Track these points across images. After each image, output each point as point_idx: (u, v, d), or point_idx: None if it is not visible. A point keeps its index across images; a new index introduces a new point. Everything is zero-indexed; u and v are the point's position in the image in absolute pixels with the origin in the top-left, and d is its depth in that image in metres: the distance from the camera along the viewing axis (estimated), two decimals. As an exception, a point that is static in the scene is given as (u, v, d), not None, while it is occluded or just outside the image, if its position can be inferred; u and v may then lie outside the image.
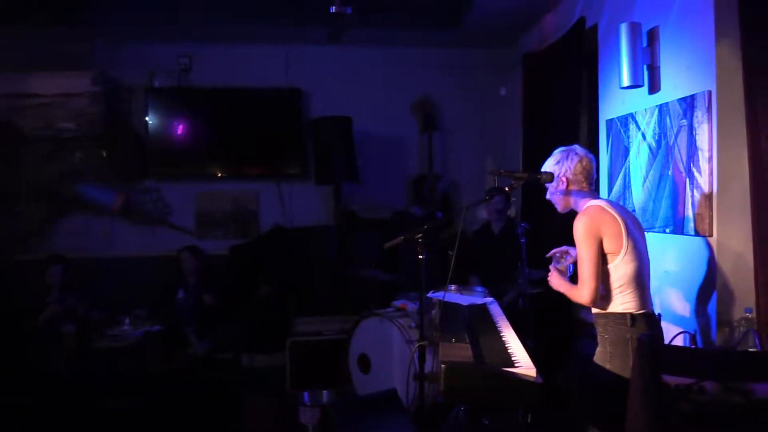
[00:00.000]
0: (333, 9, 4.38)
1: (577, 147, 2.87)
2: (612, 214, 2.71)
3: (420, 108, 6.35)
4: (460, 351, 2.24)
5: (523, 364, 2.23)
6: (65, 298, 4.91)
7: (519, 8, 5.27)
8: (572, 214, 4.23)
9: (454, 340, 2.39)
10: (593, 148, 4.60)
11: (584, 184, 2.82)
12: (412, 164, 6.43)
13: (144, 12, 5.28)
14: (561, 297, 4.68)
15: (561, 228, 4.87)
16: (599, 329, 2.78)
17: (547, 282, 4.49)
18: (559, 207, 2.93)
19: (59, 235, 5.96)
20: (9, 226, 5.86)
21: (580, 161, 2.79)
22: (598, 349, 2.75)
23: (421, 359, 2.79)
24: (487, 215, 5.29)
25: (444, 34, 5.99)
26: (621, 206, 2.93)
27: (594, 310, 2.81)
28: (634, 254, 2.70)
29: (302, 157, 6.17)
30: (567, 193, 2.84)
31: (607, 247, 2.68)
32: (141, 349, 4.69)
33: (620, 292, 2.71)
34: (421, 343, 2.73)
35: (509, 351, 2.35)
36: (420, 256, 2.81)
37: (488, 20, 5.55)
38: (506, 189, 2.88)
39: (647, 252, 2.82)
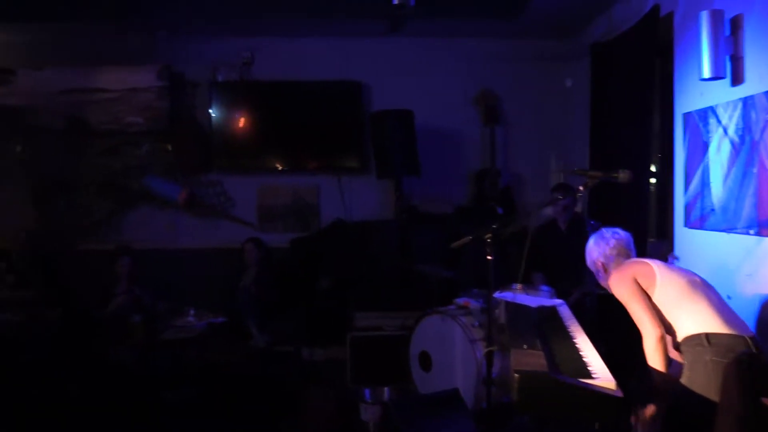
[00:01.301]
0: (395, 0, 4.29)
1: (604, 231, 3.04)
2: (638, 258, 2.94)
3: (482, 101, 6.22)
4: (533, 358, 2.16)
5: (601, 375, 2.13)
6: (133, 288, 5.03)
7: (585, -3, 5.08)
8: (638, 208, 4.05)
9: (525, 346, 2.30)
10: (666, 142, 4.42)
11: (620, 260, 2.94)
12: (473, 158, 6.31)
13: (207, 6, 5.32)
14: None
15: (630, 226, 4.73)
16: (683, 355, 2.72)
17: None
18: (605, 285, 3.03)
19: (126, 227, 6.11)
20: (77, 217, 6.04)
21: (608, 243, 2.97)
22: (682, 375, 2.68)
23: (489, 363, 2.70)
24: (553, 212, 5.12)
25: (507, 25, 5.82)
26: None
27: (679, 339, 2.74)
28: (672, 274, 2.79)
29: (362, 151, 6.13)
30: (606, 273, 2.97)
31: (644, 284, 2.75)
32: (205, 340, 4.74)
33: (681, 315, 2.69)
34: (490, 348, 2.64)
35: (584, 360, 2.25)
36: (489, 257, 2.71)
37: (553, 9, 5.37)
38: (579, 188, 2.75)
39: (701, 278, 2.84)
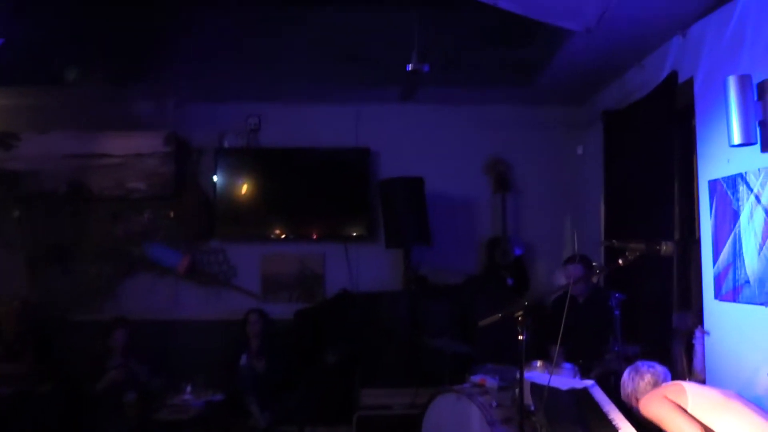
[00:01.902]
0: (410, 67, 4.22)
1: (639, 365, 3.04)
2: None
3: (493, 168, 6.11)
4: (578, 454, 1.90)
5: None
6: (127, 363, 4.76)
7: (599, 65, 5.02)
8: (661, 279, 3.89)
9: (567, 440, 2.05)
10: (688, 210, 4.24)
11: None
12: (484, 227, 6.15)
13: (214, 73, 5.28)
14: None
15: (653, 298, 4.52)
16: None
17: (642, 359, 4.12)
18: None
19: (124, 296, 5.88)
20: (74, 285, 5.82)
21: (642, 378, 2.96)
22: None
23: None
24: (567, 281, 4.90)
25: (518, 92, 5.78)
26: None
27: None
28: (702, 387, 2.84)
29: (370, 218, 5.97)
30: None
31: (676, 398, 2.68)
32: (202, 421, 4.45)
33: (724, 417, 2.59)
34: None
35: (635, 455, 2.00)
36: (520, 336, 2.48)
37: (565, 76, 5.32)
38: (619, 262, 2.55)
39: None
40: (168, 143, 5.82)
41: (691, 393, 2.65)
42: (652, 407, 2.71)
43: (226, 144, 6.02)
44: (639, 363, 3.05)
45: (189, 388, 4.74)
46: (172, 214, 5.91)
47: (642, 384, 2.93)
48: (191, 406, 4.46)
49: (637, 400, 2.91)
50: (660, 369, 3.01)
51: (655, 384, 2.92)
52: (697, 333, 4.01)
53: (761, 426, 2.43)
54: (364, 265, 6.00)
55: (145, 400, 4.45)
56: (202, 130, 6.03)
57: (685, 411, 2.59)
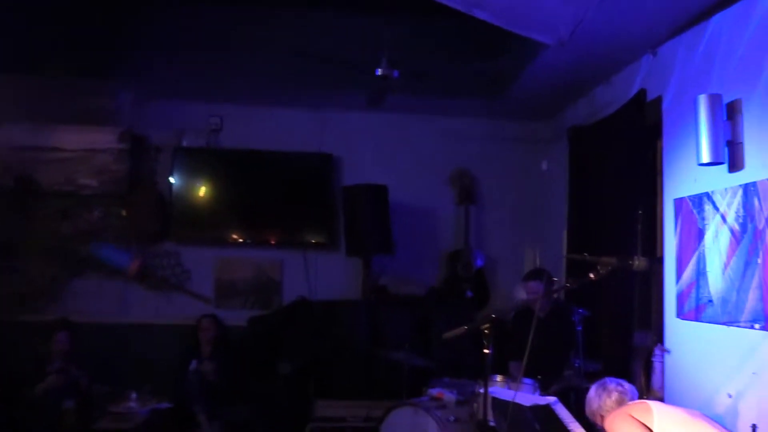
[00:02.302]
0: (379, 72, 4.12)
1: (607, 381, 2.96)
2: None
3: (458, 180, 6.05)
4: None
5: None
6: (68, 368, 4.50)
7: (568, 81, 5.02)
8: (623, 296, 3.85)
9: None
10: (651, 228, 4.24)
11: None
12: (446, 238, 6.07)
13: (175, 70, 5.09)
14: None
15: (614, 316, 4.49)
16: None
17: (602, 376, 4.07)
18: None
19: (70, 297, 5.59)
20: (16, 283, 5.51)
21: (609, 396, 2.88)
22: None
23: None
24: (527, 298, 4.83)
25: (486, 104, 5.76)
26: None
27: None
28: (668, 406, 2.78)
29: (332, 225, 5.84)
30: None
31: (641, 417, 2.63)
32: (148, 429, 4.23)
33: None
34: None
35: (604, 476, 1.91)
36: (486, 350, 2.38)
37: (534, 91, 5.31)
38: (591, 276, 2.48)
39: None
40: (123, 139, 5.59)
41: (657, 412, 2.59)
42: (617, 426, 2.65)
43: (185, 143, 5.82)
44: (607, 379, 2.98)
45: (134, 396, 4.54)
46: (124, 213, 5.66)
47: (608, 401, 2.86)
48: (135, 414, 4.25)
49: (602, 417, 2.86)
50: (628, 387, 2.94)
51: (622, 402, 2.85)
52: (657, 351, 3.99)
53: None
54: (323, 273, 5.86)
55: (85, 408, 4.20)
56: (160, 127, 5.82)
57: (651, 431, 2.53)
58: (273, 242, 5.85)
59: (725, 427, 2.65)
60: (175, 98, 5.76)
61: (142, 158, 5.76)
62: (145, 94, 5.64)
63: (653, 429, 2.53)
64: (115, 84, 5.45)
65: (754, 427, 2.78)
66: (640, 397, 4.19)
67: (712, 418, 2.69)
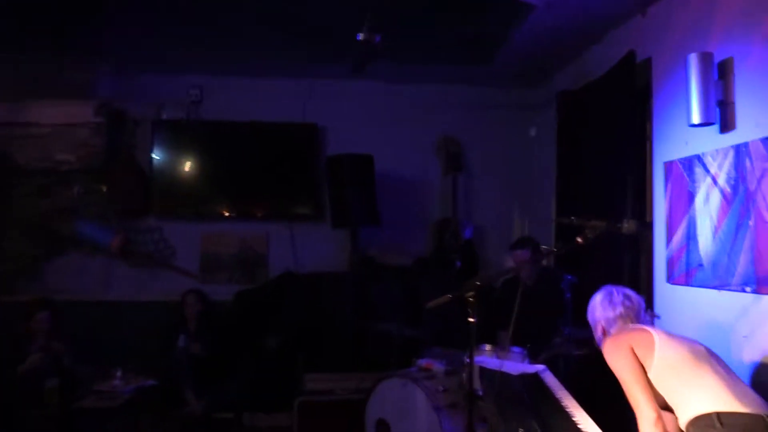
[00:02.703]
0: (360, 36, 3.98)
1: (615, 292, 2.75)
2: (637, 324, 2.64)
3: (444, 148, 5.94)
4: (535, 448, 1.75)
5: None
6: (50, 347, 4.41)
7: (555, 44, 4.90)
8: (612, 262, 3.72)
9: (521, 431, 1.89)
10: (641, 192, 4.16)
11: (622, 326, 2.69)
12: (434, 208, 5.98)
13: (153, 41, 4.93)
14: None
15: (603, 282, 4.43)
16: None
17: (592, 343, 4.03)
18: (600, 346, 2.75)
19: (51, 275, 5.49)
20: (-4, 263, 5.40)
21: (614, 309, 2.71)
22: None
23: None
24: (515, 265, 4.78)
25: (472, 71, 5.62)
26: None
27: (682, 425, 2.39)
28: (673, 343, 2.47)
29: (317, 197, 5.74)
30: (604, 337, 2.71)
31: (641, 354, 2.46)
32: (133, 407, 4.16)
33: (686, 392, 2.36)
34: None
35: (593, 445, 1.86)
36: (471, 319, 2.31)
37: (520, 57, 5.19)
38: (578, 240, 2.40)
39: (707, 348, 2.53)
40: (100, 113, 5.45)
41: (658, 352, 2.42)
42: (614, 357, 2.50)
43: (164, 116, 5.67)
44: (615, 289, 2.76)
45: (119, 374, 4.44)
46: (104, 189, 5.52)
47: (613, 315, 2.70)
48: (120, 392, 4.16)
49: (604, 330, 2.72)
50: (636, 300, 2.74)
51: (626, 318, 2.68)
52: (647, 316, 3.95)
53: (727, 401, 2.26)
54: (309, 246, 5.77)
55: (68, 387, 4.12)
56: (138, 100, 5.66)
57: (646, 376, 2.41)
58: (258, 215, 5.75)
59: (731, 367, 2.47)
60: (153, 70, 5.59)
61: (120, 132, 5.60)
62: (122, 66, 5.47)
63: (650, 374, 2.40)
64: (91, 57, 5.27)
65: None
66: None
67: (718, 357, 2.50)
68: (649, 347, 2.43)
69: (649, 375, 2.41)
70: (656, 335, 2.47)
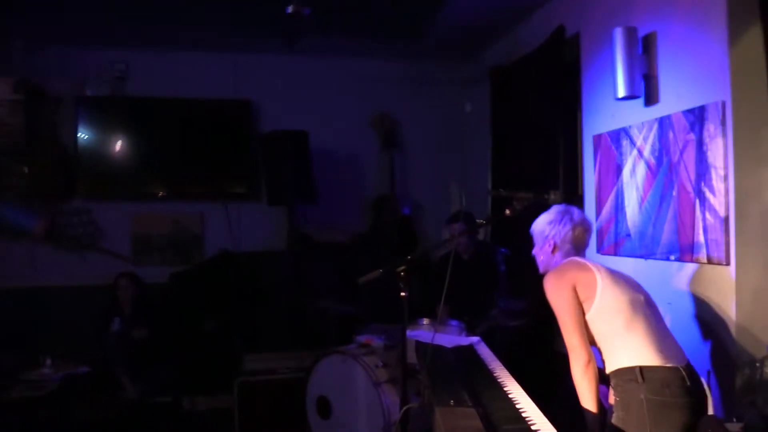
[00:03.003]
0: (289, 9, 3.89)
1: (574, 211, 2.64)
2: (583, 261, 2.55)
3: (379, 124, 5.91)
4: (465, 419, 1.77)
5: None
6: (-28, 337, 4.22)
7: (487, 19, 4.92)
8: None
9: (452, 402, 1.91)
10: (574, 165, 4.26)
11: (572, 252, 2.62)
12: (371, 184, 5.95)
13: (70, 12, 4.67)
14: (542, 331, 4.31)
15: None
16: (612, 391, 2.43)
17: (526, 314, 4.12)
18: (541, 267, 2.73)
19: (-29, 263, 5.22)
20: None
21: (573, 229, 2.60)
22: (613, 415, 2.38)
23: (405, 426, 2.27)
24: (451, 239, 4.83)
25: (406, 46, 5.59)
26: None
27: (607, 370, 2.45)
28: (615, 289, 2.42)
29: (252, 175, 5.62)
30: (552, 255, 2.64)
31: (582, 294, 2.42)
32: (64, 396, 4.03)
33: (615, 342, 2.40)
34: (408, 405, 2.21)
35: (524, 415, 1.89)
36: (402, 293, 2.31)
37: (453, 32, 5.20)
38: (506, 212, 2.42)
39: (646, 295, 2.52)
40: (17, 90, 5.14)
41: (599, 297, 2.38)
42: (555, 296, 2.43)
43: (88, 92, 5.41)
44: (565, 206, 2.64)
45: (48, 362, 4.28)
46: (25, 170, 5.26)
47: (570, 234, 2.58)
48: (49, 381, 4.02)
49: (555, 247, 2.60)
50: (588, 224, 2.64)
51: (579, 238, 2.59)
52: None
53: (650, 355, 2.31)
54: (245, 225, 5.67)
55: (-7, 378, 3.95)
56: (59, 76, 5.38)
57: (583, 316, 2.39)
58: (191, 195, 5.60)
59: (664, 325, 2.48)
60: (73, 44, 5.33)
61: (40, 110, 5.31)
62: (38, 39, 5.19)
63: (587, 315, 2.38)
64: (2, 29, 4.98)
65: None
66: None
67: (654, 306, 2.50)
68: (591, 290, 2.40)
69: (586, 316, 2.41)
70: (599, 278, 2.41)
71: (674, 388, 2.28)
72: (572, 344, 2.36)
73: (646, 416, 2.24)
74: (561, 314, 2.41)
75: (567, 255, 2.60)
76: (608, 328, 2.39)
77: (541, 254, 2.69)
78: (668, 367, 2.32)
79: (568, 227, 2.59)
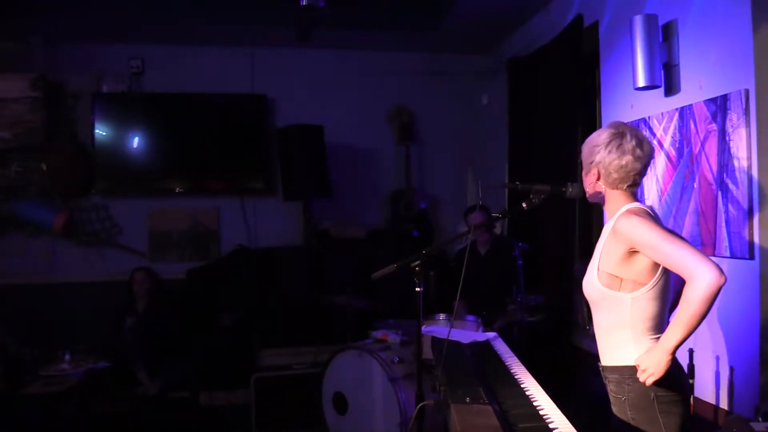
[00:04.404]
0: (304, 1, 3.86)
1: (629, 136, 2.12)
2: (652, 213, 2.16)
3: (396, 117, 5.87)
4: (481, 417, 1.73)
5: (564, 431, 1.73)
6: (-7, 332, 4.26)
7: (504, 10, 4.85)
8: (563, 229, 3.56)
9: (468, 399, 1.88)
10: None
11: (618, 184, 2.14)
12: (387, 178, 5.93)
13: (88, 8, 4.68)
14: (560, 326, 4.25)
15: (555, 249, 4.48)
16: (612, 388, 2.13)
17: (544, 309, 4.06)
18: (588, 189, 2.26)
19: (-8, 258, 5.27)
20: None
21: (620, 158, 2.10)
22: (617, 419, 2.11)
23: (419, 423, 2.24)
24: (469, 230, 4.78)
25: (422, 38, 5.54)
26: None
27: (603, 362, 2.18)
28: (666, 282, 2.09)
29: (268, 170, 5.61)
30: (597, 181, 2.20)
31: (640, 266, 2.03)
32: (83, 391, 4.04)
33: (642, 335, 2.07)
34: (423, 402, 2.18)
35: (541, 413, 1.85)
36: (417, 288, 2.28)
37: (470, 23, 5.13)
38: (522, 205, 2.36)
39: None
40: (36, 87, 5.17)
41: (660, 272, 2.06)
42: (637, 222, 2.01)
43: (105, 89, 5.44)
44: (633, 135, 2.13)
45: (68, 357, 4.30)
46: (44, 167, 5.30)
47: (616, 164, 2.11)
48: (69, 376, 4.03)
49: (601, 177, 2.16)
50: (643, 159, 2.12)
51: (636, 173, 2.12)
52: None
53: None
54: (262, 220, 5.67)
55: (14, 373, 3.97)
56: (77, 72, 5.42)
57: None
58: (208, 190, 5.61)
59: None
60: (90, 40, 5.35)
61: (59, 106, 5.36)
62: (57, 36, 5.22)
63: (651, 281, 2.05)
64: (22, 26, 5.01)
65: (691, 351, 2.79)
66: (582, 330, 4.25)
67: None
68: (653, 269, 2.06)
69: (633, 293, 2.06)
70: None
71: (678, 381, 2.08)
72: (692, 259, 1.87)
73: (658, 414, 2.02)
74: (668, 243, 1.93)
75: (614, 189, 2.18)
76: (643, 318, 2.06)
77: (588, 177, 2.26)
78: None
79: (615, 156, 2.13)
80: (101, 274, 5.38)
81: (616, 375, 2.11)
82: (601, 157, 2.14)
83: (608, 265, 2.09)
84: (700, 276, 1.83)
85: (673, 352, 1.94)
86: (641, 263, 2.04)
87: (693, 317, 1.87)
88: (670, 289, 2.16)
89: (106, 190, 5.44)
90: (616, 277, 2.07)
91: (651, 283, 2.05)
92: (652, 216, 2.12)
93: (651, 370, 1.95)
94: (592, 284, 2.15)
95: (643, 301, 2.05)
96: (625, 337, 2.08)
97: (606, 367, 2.16)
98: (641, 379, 1.99)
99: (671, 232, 2.03)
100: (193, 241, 5.60)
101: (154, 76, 5.54)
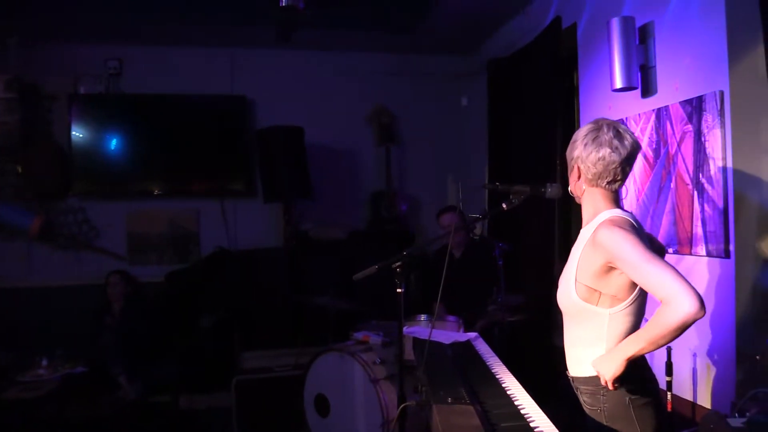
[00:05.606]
0: (284, 2, 3.85)
1: (606, 128, 2.03)
2: (633, 221, 2.02)
3: (376, 118, 5.88)
4: (462, 418, 1.74)
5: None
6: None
7: (484, 11, 4.88)
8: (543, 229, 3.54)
9: (450, 400, 1.88)
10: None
11: (598, 180, 2.03)
12: (368, 180, 5.93)
13: (63, 8, 4.62)
14: (540, 326, 4.27)
15: (535, 249, 4.51)
16: (586, 400, 2.05)
17: (525, 309, 4.08)
18: (572, 188, 2.19)
19: (-33, 263, 5.19)
20: None
21: (597, 150, 2.00)
22: (593, 423, 2.03)
23: (402, 425, 2.24)
24: (444, 231, 4.79)
25: (402, 39, 5.55)
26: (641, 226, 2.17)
27: (574, 373, 2.09)
28: (644, 298, 1.99)
29: (248, 171, 5.59)
30: (579, 179, 2.12)
31: (619, 282, 1.92)
32: (61, 396, 3.99)
33: (610, 347, 1.97)
34: (405, 404, 2.18)
35: (522, 412, 1.86)
36: (398, 290, 2.28)
37: (449, 24, 5.16)
38: (503, 206, 2.37)
39: None
40: (11, 88, 5.11)
41: (637, 291, 1.96)
42: (619, 236, 1.87)
43: (82, 90, 5.38)
44: (614, 129, 2.03)
45: (44, 362, 4.25)
46: (20, 169, 5.22)
47: (593, 157, 2.01)
48: (46, 381, 3.98)
49: (580, 173, 2.08)
50: (622, 156, 2.00)
51: (617, 170, 2.01)
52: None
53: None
54: (242, 222, 5.65)
55: (-11, 379, 3.92)
56: (53, 73, 5.35)
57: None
58: (187, 192, 5.56)
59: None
60: (67, 40, 5.29)
61: (35, 108, 5.29)
62: (33, 36, 5.15)
63: (629, 297, 1.95)
64: (-1, 27, 4.95)
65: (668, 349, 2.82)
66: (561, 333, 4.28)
67: None
68: (631, 286, 1.96)
69: (611, 309, 1.96)
70: None
71: (652, 386, 2.05)
72: (672, 284, 1.74)
73: (635, 420, 1.96)
74: (647, 263, 1.79)
75: (593, 186, 2.09)
76: (627, 329, 1.96)
77: (572, 174, 2.17)
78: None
79: (592, 150, 2.04)
80: (79, 278, 5.32)
81: (590, 387, 2.03)
82: (579, 152, 2.05)
83: (586, 277, 1.96)
84: (681, 302, 1.71)
85: (629, 361, 1.88)
86: (621, 278, 1.92)
87: (660, 338, 1.79)
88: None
89: (83, 192, 5.38)
90: (595, 290, 1.95)
91: (630, 299, 1.95)
92: (636, 228, 1.99)
93: (606, 376, 1.91)
94: (568, 296, 2.02)
95: (621, 316, 1.96)
96: (599, 351, 1.99)
97: (577, 378, 2.08)
98: (603, 384, 1.94)
99: (654, 253, 1.85)
100: (172, 243, 5.56)
101: (132, 76, 5.49)
